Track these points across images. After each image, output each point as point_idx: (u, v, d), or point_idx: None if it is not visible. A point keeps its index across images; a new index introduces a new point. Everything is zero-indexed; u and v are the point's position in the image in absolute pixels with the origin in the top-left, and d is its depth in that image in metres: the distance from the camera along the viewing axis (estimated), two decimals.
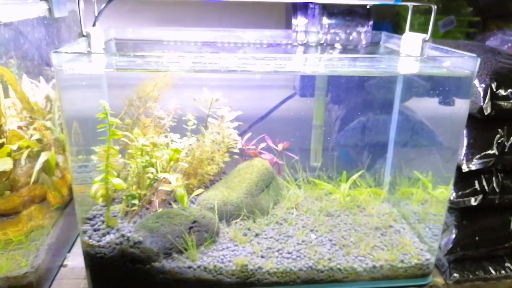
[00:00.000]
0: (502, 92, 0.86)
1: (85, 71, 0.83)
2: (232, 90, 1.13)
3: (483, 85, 0.87)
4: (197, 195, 1.01)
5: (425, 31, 0.91)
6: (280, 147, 1.12)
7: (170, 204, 0.97)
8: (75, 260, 0.99)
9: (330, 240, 0.94)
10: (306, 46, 1.15)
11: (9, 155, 0.85)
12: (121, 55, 0.86)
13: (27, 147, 0.92)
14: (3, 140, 0.87)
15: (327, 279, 0.88)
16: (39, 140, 0.96)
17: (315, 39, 1.16)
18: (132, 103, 1.03)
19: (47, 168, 0.97)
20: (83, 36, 0.90)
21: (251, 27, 1.18)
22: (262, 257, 0.89)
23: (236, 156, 1.10)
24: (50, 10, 1.03)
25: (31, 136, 0.94)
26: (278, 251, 0.90)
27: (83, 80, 0.93)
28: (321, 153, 1.20)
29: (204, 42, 1.13)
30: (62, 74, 0.79)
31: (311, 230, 0.97)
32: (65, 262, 0.98)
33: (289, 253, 0.90)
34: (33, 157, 0.94)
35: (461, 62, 0.85)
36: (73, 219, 1.09)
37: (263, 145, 1.13)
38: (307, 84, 1.17)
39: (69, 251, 1.02)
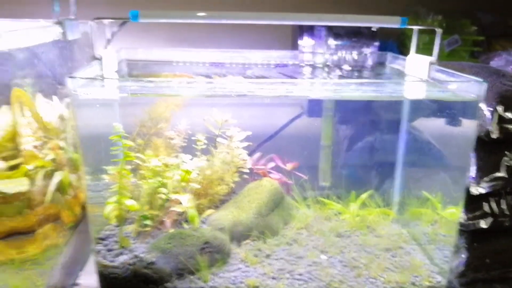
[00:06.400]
0: (509, 115, 0.88)
1: (100, 96, 0.84)
2: (240, 108, 1.14)
3: (490, 109, 0.88)
4: (208, 215, 1.02)
5: (429, 50, 0.92)
6: (289, 166, 1.13)
7: (181, 224, 0.98)
8: (88, 279, 1.00)
9: (341, 262, 0.94)
10: (313, 67, 1.17)
11: (25, 175, 0.87)
12: (135, 80, 0.88)
13: (42, 166, 0.93)
14: (20, 160, 0.89)
15: None
16: (53, 160, 0.97)
17: (321, 60, 1.18)
18: (144, 124, 1.05)
19: (61, 188, 0.98)
20: (96, 59, 0.92)
21: (258, 48, 1.21)
22: (274, 278, 0.89)
23: (245, 176, 1.11)
24: (64, 33, 1.06)
25: (46, 155, 0.96)
26: (289, 272, 0.91)
27: (96, 102, 0.94)
28: (329, 172, 1.21)
29: (212, 63, 1.15)
30: (77, 98, 0.82)
31: (322, 251, 0.97)
32: (77, 281, 0.99)
33: (300, 274, 0.90)
34: (47, 176, 0.95)
35: (467, 86, 0.86)
36: (85, 238, 1.10)
37: (271, 164, 1.14)
38: (314, 104, 1.19)
39: (81, 270, 1.03)
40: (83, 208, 1.08)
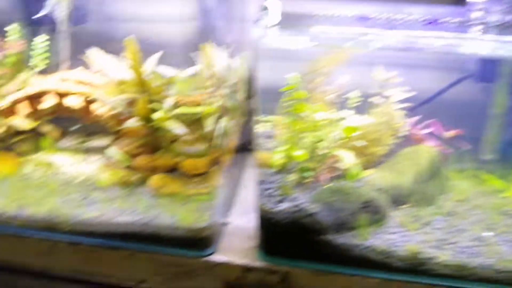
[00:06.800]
0: None
1: (287, 46, 0.85)
2: (399, 68, 1.08)
3: None
4: (366, 175, 1.01)
5: None
6: (449, 134, 1.05)
7: (337, 180, 0.98)
8: (237, 220, 1.07)
9: (509, 241, 0.87)
10: (484, 26, 1.04)
11: (205, 118, 0.94)
12: (316, 30, 0.87)
13: (213, 112, 1.00)
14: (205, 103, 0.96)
15: (506, 281, 0.83)
16: (220, 107, 1.03)
17: (495, 18, 1.04)
18: (305, 78, 1.05)
19: (223, 133, 1.05)
20: (265, 9, 0.92)
21: (416, 1, 1.10)
22: (434, 247, 0.86)
23: (401, 139, 1.06)
24: None
25: (215, 102, 1.02)
26: (451, 244, 0.87)
27: (272, 52, 0.96)
28: (495, 145, 1.10)
29: (360, 17, 1.09)
30: (261, 47, 0.83)
31: (486, 227, 0.91)
32: (228, 220, 1.07)
33: (465, 247, 0.86)
34: (215, 121, 1.02)
35: None
36: (232, 182, 1.18)
37: (429, 130, 1.07)
38: (487, 68, 1.07)
39: (229, 211, 1.11)
40: (234, 153, 1.15)
